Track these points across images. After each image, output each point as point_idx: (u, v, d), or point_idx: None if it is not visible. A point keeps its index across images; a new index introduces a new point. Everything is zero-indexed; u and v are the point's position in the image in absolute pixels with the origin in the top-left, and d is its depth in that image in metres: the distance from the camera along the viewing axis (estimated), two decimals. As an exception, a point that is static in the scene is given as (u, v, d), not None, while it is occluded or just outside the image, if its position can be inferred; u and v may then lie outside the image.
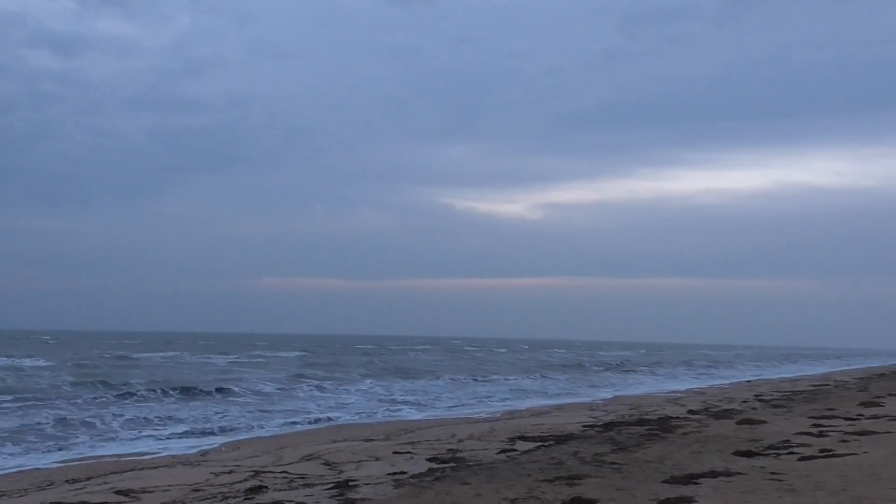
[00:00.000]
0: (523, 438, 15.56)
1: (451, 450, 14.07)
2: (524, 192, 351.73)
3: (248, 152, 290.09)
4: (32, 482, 12.07)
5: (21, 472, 13.39)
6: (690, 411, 21.54)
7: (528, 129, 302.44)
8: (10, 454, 15.48)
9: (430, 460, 12.68)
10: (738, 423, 17.14)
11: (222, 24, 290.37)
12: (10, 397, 25.12)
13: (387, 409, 25.38)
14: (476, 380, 42.08)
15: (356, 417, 22.79)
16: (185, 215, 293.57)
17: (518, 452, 13.24)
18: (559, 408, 25.62)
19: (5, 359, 47.12)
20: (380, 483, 10.31)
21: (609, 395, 32.24)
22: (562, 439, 14.92)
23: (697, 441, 13.87)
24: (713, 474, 9.93)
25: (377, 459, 13.20)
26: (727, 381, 44.48)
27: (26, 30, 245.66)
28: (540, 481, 9.78)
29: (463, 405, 27.52)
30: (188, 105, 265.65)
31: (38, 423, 19.73)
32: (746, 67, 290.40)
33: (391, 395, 31.29)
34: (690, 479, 9.64)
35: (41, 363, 44.77)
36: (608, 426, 17.44)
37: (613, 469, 10.71)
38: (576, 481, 9.68)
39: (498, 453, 13.32)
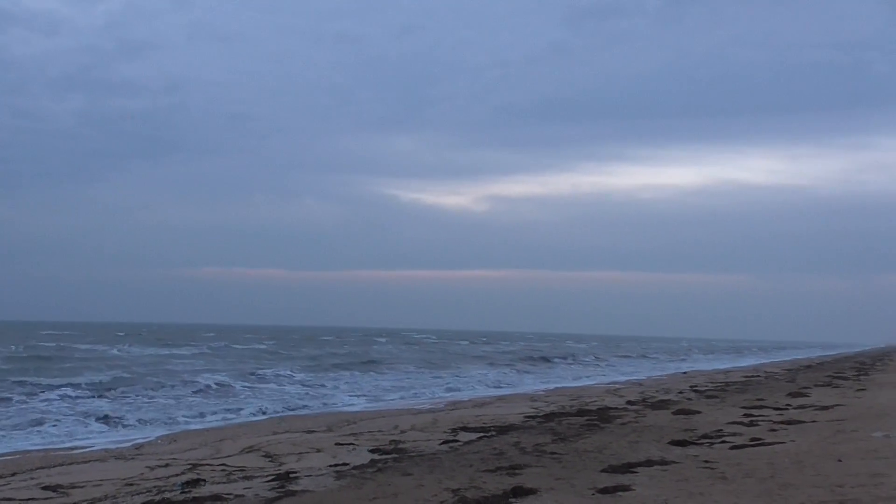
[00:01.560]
0: (466, 429, 15.64)
1: (393, 441, 14.04)
2: (469, 184, 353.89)
3: (187, 138, 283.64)
4: (-47, 478, 11.52)
5: (-59, 467, 12.78)
6: (629, 402, 22.04)
7: (474, 121, 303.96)
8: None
9: (372, 451, 12.64)
10: (674, 413, 17.62)
11: (157, 4, 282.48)
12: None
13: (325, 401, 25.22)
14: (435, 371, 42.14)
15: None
16: (120, 202, 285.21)
17: (460, 443, 13.31)
18: (501, 399, 25.86)
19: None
20: (321, 475, 10.21)
21: (550, 387, 32.72)
22: (504, 430, 15.06)
23: (635, 431, 14.20)
24: (649, 463, 10.17)
25: (319, 451, 13.07)
26: (664, 373, 45.70)
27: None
28: (481, 471, 9.85)
29: (409, 395, 27.56)
30: (122, 87, 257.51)
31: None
32: (686, 65, 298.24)
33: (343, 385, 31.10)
34: (628, 467, 9.86)
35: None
36: (549, 417, 17.68)
37: (554, 459, 10.87)
38: (517, 471, 9.79)
39: (440, 444, 13.35)
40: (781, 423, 14.80)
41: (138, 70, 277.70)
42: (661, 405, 20.31)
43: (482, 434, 14.61)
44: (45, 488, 10.24)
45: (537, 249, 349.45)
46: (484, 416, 18.71)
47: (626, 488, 8.55)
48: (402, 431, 15.79)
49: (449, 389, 31.31)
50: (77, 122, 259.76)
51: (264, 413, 21.29)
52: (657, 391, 27.31)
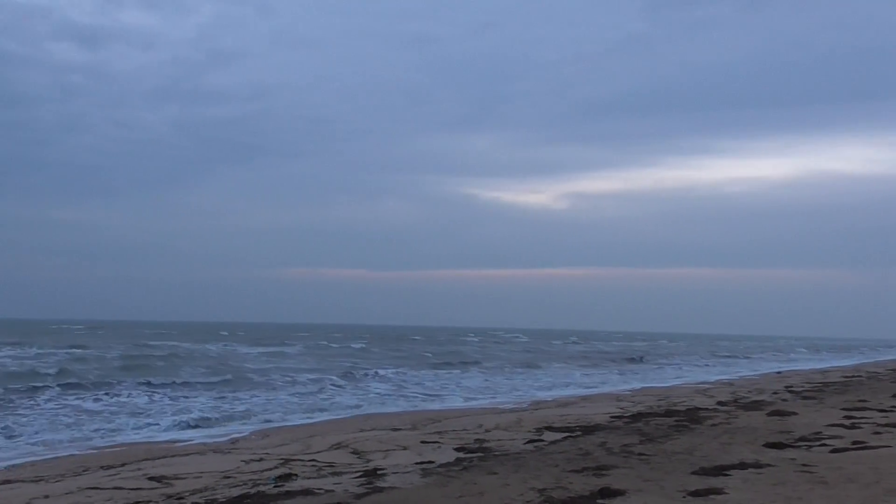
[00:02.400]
0: (550, 429, 15.55)
1: (478, 440, 14.11)
2: (549, 181, 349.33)
3: (272, 143, 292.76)
4: (68, 468, 12.36)
5: (57, 458, 13.72)
6: (719, 402, 21.34)
7: (552, 117, 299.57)
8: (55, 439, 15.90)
9: (457, 450, 12.74)
10: (769, 414, 16.93)
11: (244, 14, 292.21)
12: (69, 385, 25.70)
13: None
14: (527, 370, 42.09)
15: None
16: (210, 206, 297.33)
17: (545, 443, 13.24)
18: (586, 398, 25.53)
19: (64, 348, 48.11)
20: (407, 472, 10.37)
21: (636, 386, 32.06)
22: (589, 430, 14.88)
23: (727, 432, 13.74)
24: (743, 466, 9.83)
25: (404, 448, 13.28)
26: (756, 373, 43.96)
27: (52, 22, 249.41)
28: (567, 472, 9.77)
29: (497, 394, 27.59)
30: (212, 96, 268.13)
31: (78, 410, 20.21)
32: (775, 52, 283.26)
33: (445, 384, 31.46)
34: (720, 470, 9.56)
35: (87, 351, 45.83)
36: (636, 417, 17.34)
37: (641, 460, 10.66)
38: (603, 472, 9.66)
39: (525, 443, 13.32)
40: (886, 425, 13.98)
41: (226, 79, 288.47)
42: (754, 406, 19.56)
43: (567, 434, 14.49)
44: (151, 479, 10.84)
45: (620, 246, 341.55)
46: (569, 416, 18.53)
47: (718, 491, 8.30)
48: (487, 430, 15.84)
49: (536, 389, 31.16)
50: (171, 131, 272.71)
51: (352, 409, 21.80)
52: (749, 391, 26.32)
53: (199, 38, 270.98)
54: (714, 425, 15.03)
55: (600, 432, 14.39)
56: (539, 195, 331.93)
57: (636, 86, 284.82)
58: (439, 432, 15.68)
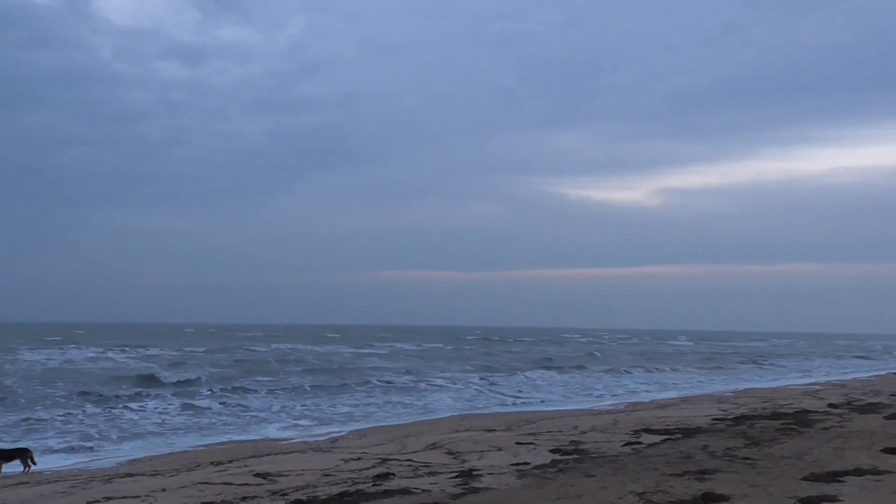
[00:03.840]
0: (648, 431, 15.18)
1: (573, 441, 13.95)
2: (641, 177, 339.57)
3: (361, 148, 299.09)
4: (182, 463, 13.07)
5: (172, 453, 14.53)
6: (830, 405, 20.22)
7: (643, 111, 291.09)
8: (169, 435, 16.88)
9: (552, 451, 12.63)
10: (886, 418, 15.90)
11: (332, 24, 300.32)
12: (181, 386, 27.28)
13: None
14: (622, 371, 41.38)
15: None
16: (303, 212, 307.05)
17: (643, 445, 12.93)
18: (685, 400, 24.76)
19: (175, 351, 51.06)
20: (503, 473, 10.37)
21: (739, 388, 30.81)
22: (689, 432, 14.43)
23: (839, 436, 13.00)
24: (859, 472, 9.28)
25: (499, 450, 13.29)
26: (871, 374, 41.35)
27: (158, 43, 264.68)
28: (668, 475, 9.51)
29: (592, 396, 27.21)
30: (304, 105, 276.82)
31: (189, 408, 21.36)
32: (882, 30, 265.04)
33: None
34: (833, 476, 9.06)
35: (190, 353, 48.39)
36: (739, 420, 16.68)
37: (747, 464, 10.24)
38: (706, 476, 9.34)
39: (622, 446, 13.06)
40: None
41: (317, 87, 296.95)
42: (870, 409, 18.42)
43: (666, 436, 14.10)
44: (257, 475, 11.31)
45: (717, 243, 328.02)
46: (667, 418, 18.03)
47: (832, 499, 7.87)
48: (582, 432, 15.63)
49: (630, 391, 30.50)
50: (266, 140, 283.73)
51: (446, 411, 21.99)
52: (864, 393, 24.80)
53: (292, 49, 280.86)
54: (825, 429, 14.26)
55: (701, 435, 13.92)
56: (630, 192, 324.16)
57: (731, 74, 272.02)
58: (534, 434, 15.59)
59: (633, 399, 25.87)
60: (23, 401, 22.57)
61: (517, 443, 14.08)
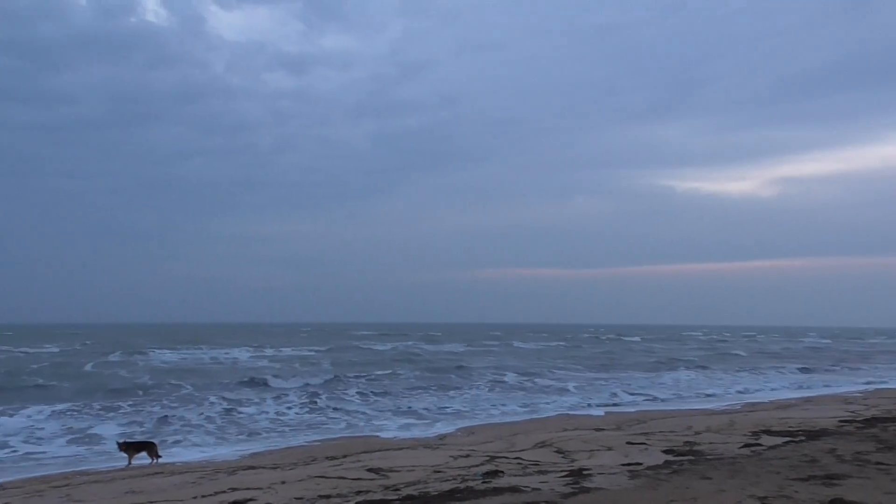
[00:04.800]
0: (769, 433, 14.48)
1: (687, 442, 13.51)
2: (754, 167, 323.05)
3: (461, 148, 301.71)
4: (299, 457, 13.64)
5: (290, 448, 15.19)
6: (977, 407, 18.57)
7: (753, 97, 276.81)
8: (285, 430, 17.68)
9: (665, 452, 12.29)
10: None
11: (429, 26, 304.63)
12: (298, 384, 28.55)
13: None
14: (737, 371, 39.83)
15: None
16: (407, 213, 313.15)
17: (763, 448, 12.35)
18: (808, 400, 23.42)
19: (290, 349, 53.45)
20: (614, 473, 10.19)
21: (869, 388, 28.80)
22: (814, 435, 13.66)
23: None
24: None
25: (609, 449, 13.06)
26: None
27: (266, 55, 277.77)
28: (791, 479, 9.05)
29: (701, 395, 26.25)
30: (404, 108, 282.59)
31: (303, 405, 22.28)
32: None
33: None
34: (981, 485, 8.34)
35: (307, 352, 50.42)
36: (869, 422, 15.64)
37: (880, 470, 9.59)
38: (834, 481, 8.82)
39: (740, 447, 12.53)
40: None
41: (416, 90, 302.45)
42: None
43: (789, 438, 13.41)
44: (369, 470, 11.65)
45: (839, 234, 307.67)
46: (789, 420, 17.13)
47: (979, 509, 7.25)
48: (697, 433, 15.11)
49: (744, 390, 29.14)
50: (369, 144, 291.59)
51: (555, 409, 21.82)
52: None
53: (391, 53, 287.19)
54: (971, 433, 13.13)
55: (827, 438, 13.15)
56: (743, 183, 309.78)
57: (849, 54, 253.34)
58: (645, 433, 15.22)
59: (751, 399, 24.71)
60: (153, 398, 24.20)
61: (628, 442, 13.79)
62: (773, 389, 28.93)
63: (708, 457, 11.44)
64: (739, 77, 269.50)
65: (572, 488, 9.25)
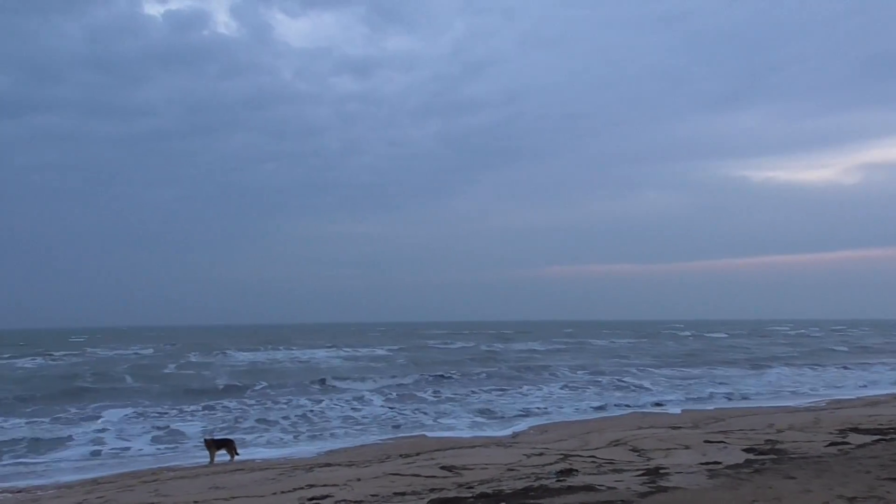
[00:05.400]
0: (857, 431, 13.86)
1: (769, 440, 13.06)
2: (834, 154, 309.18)
3: (526, 144, 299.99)
4: (374, 455, 13.86)
5: (364, 445, 15.45)
6: None
7: (833, 80, 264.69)
8: (359, 428, 18.00)
9: (745, 451, 11.92)
10: None
11: (491, 23, 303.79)
12: (372, 383, 29.06)
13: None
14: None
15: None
16: (473, 211, 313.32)
17: (852, 446, 11.82)
18: (900, 397, 22.28)
19: (363, 349, 54.44)
20: (692, 472, 9.95)
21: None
22: (907, 433, 12.98)
23: None
24: None
25: (687, 448, 12.75)
26: None
27: (332, 60, 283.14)
28: (882, 479, 8.62)
29: (784, 392, 25.33)
30: (469, 106, 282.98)
31: (389, 402, 22.63)
32: None
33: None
34: None
35: (380, 352, 51.22)
36: (970, 419, 14.74)
37: (981, 470, 9.04)
38: (930, 482, 8.36)
39: (826, 446, 12.03)
40: None
41: (480, 88, 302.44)
42: None
43: (879, 437, 12.79)
44: (443, 468, 11.72)
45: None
46: (879, 417, 16.34)
47: None
48: (779, 431, 14.58)
49: (829, 385, 27.95)
50: (434, 143, 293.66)
51: (632, 406, 21.44)
52: None
53: (454, 52, 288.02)
54: None
55: (922, 436, 12.48)
56: (823, 170, 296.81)
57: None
58: (724, 431, 14.79)
59: (838, 396, 23.67)
60: (231, 397, 24.99)
61: (706, 441, 13.43)
62: (861, 386, 27.61)
63: (791, 456, 11.03)
64: (817, 59, 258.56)
65: (649, 487, 9.08)
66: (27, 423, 19.24)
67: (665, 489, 8.91)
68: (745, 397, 24.04)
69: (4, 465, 14.22)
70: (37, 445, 16.12)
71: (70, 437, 17.05)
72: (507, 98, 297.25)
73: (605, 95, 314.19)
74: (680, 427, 16.00)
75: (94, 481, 12.29)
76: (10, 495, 11.37)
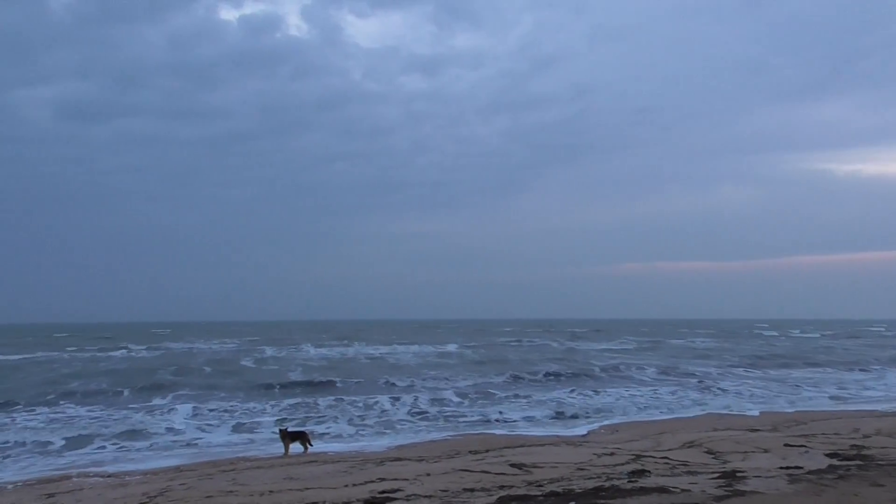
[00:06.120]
0: (952, 438, 13.08)
1: (855, 446, 12.48)
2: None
3: (596, 140, 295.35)
4: (443, 451, 13.94)
5: (434, 441, 15.56)
6: None
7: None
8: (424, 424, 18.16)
9: (829, 456, 11.44)
10: None
11: (560, 17, 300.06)
12: (442, 380, 29.31)
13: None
14: None
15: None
16: (543, 208, 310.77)
17: (946, 454, 11.18)
18: None
19: (432, 346, 54.95)
20: (771, 477, 9.62)
21: None
22: None
23: None
24: None
25: (765, 451, 12.33)
26: None
27: (400, 59, 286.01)
28: (981, 490, 8.14)
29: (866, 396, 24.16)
30: (537, 102, 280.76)
31: (444, 401, 22.77)
32: None
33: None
34: None
35: (451, 348, 51.56)
36: None
37: None
38: None
39: (918, 453, 11.41)
40: None
41: (549, 83, 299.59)
42: None
43: (977, 445, 12.05)
44: (512, 465, 11.69)
45: None
46: (977, 424, 15.38)
47: None
48: (865, 436, 13.92)
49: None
50: (502, 140, 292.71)
51: (705, 407, 20.88)
52: None
53: (522, 48, 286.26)
54: None
55: None
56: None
57: None
58: (805, 435, 14.22)
59: (930, 401, 22.41)
60: (303, 390, 25.60)
61: (786, 445, 12.94)
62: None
63: (879, 462, 10.52)
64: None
65: (725, 491, 8.83)
66: (116, 412, 20.26)
67: (742, 493, 8.65)
68: (817, 398, 23.03)
69: (96, 452, 15.01)
70: (124, 434, 16.95)
71: (154, 427, 17.86)
72: (576, 93, 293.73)
73: (678, 88, 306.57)
74: (758, 429, 15.47)
75: (177, 469, 12.82)
76: (101, 479, 12.00)
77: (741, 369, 34.60)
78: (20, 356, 45.19)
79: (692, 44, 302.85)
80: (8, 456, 14.67)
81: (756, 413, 19.56)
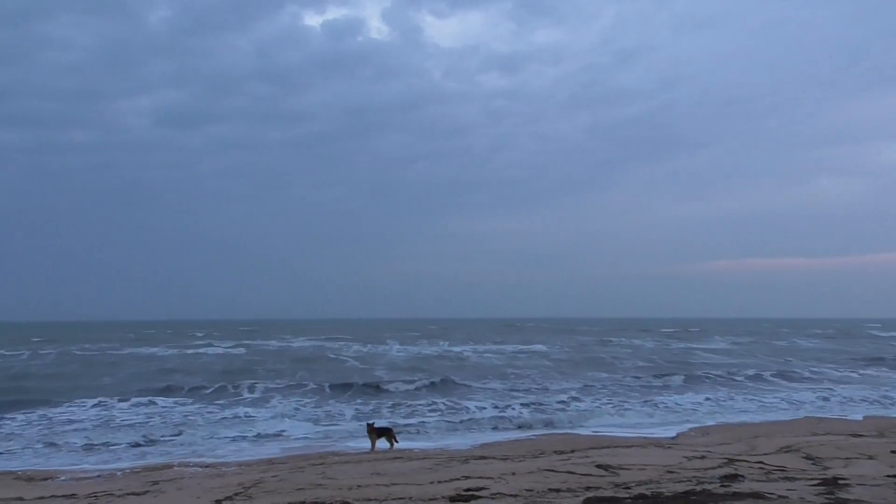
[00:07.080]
0: None
1: (971, 455, 11.64)
2: None
3: (682, 133, 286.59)
4: (527, 450, 13.89)
5: (518, 440, 15.52)
6: None
7: None
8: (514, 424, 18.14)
9: (943, 465, 10.71)
10: None
11: (642, 9, 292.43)
12: (525, 379, 29.27)
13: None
14: None
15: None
16: (627, 204, 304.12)
17: None
18: None
19: (512, 346, 54.98)
20: (877, 485, 9.09)
21: None
22: None
23: None
24: None
25: (870, 458, 11.67)
26: None
27: (479, 58, 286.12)
28: None
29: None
30: (620, 96, 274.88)
31: (510, 396, 22.67)
32: None
33: None
34: None
35: (536, 347, 51.36)
36: None
37: None
38: None
39: None
40: None
41: (632, 77, 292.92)
42: None
43: None
44: (598, 466, 11.52)
45: None
46: None
47: None
48: (984, 444, 12.95)
49: None
50: (583, 136, 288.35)
51: (801, 410, 19.97)
52: None
53: (603, 42, 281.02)
54: None
55: None
56: None
57: None
58: (916, 443, 13.36)
59: None
60: (387, 388, 25.98)
61: (893, 451, 12.20)
62: None
63: None
64: None
65: (826, 499, 8.41)
66: (211, 405, 21.22)
67: (845, 501, 8.22)
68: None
69: (194, 445, 15.76)
70: (219, 427, 17.73)
71: (247, 421, 18.62)
72: (661, 86, 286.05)
73: (770, 76, 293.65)
74: (862, 435, 14.66)
75: (270, 461, 13.30)
76: (199, 469, 12.60)
77: (845, 371, 32.82)
78: (125, 351, 48.16)
79: (784, 29, 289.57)
80: (117, 445, 15.61)
81: (859, 417, 18.55)
